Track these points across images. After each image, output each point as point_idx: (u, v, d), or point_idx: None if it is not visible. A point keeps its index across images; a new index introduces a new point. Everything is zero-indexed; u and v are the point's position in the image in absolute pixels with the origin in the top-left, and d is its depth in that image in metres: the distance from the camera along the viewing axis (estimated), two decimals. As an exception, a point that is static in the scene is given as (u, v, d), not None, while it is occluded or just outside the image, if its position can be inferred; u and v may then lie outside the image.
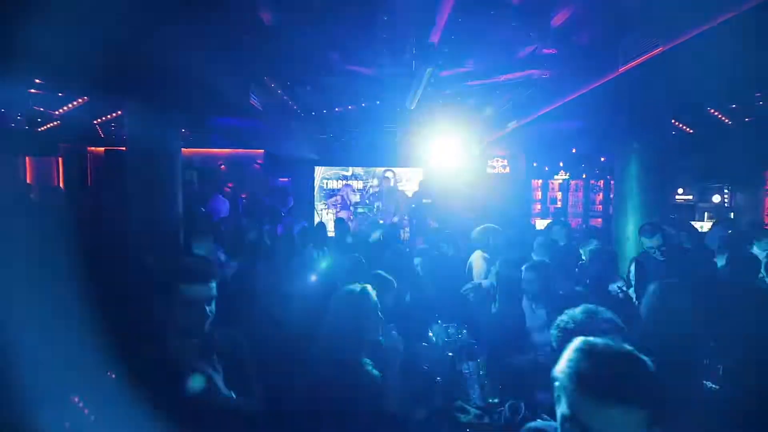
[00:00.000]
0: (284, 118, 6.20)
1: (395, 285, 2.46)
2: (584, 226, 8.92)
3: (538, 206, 10.12)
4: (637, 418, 0.78)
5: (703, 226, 8.62)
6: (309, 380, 1.62)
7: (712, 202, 8.84)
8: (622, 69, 3.57)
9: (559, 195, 10.23)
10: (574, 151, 8.40)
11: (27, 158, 8.58)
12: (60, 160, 8.64)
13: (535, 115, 5.38)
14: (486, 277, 3.50)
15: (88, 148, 8.53)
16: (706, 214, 8.77)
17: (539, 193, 10.16)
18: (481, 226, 4.09)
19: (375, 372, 1.66)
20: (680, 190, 9.58)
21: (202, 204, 6.94)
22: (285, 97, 5.75)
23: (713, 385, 1.77)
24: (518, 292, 2.79)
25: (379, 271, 2.55)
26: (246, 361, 1.55)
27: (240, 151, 9.08)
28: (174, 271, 1.43)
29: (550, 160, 9.16)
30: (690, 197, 9.45)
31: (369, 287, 1.81)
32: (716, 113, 6.11)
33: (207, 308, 1.39)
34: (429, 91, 5.36)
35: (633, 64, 3.37)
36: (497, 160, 8.29)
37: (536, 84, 4.71)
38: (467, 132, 8.10)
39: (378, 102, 5.91)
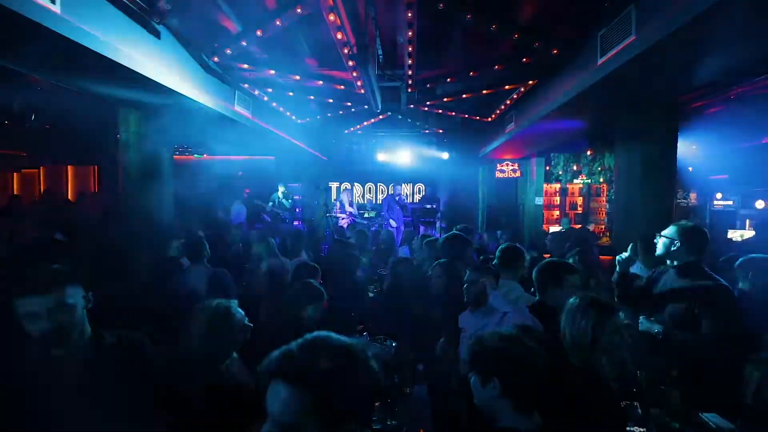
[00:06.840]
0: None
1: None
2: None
3: (556, 212, 9.59)
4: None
5: (743, 234, 7.74)
6: None
7: (755, 208, 7.92)
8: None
9: (579, 200, 9.65)
10: (590, 153, 7.88)
11: (69, 167, 9.53)
12: (96, 168, 9.49)
13: (532, 115, 5.15)
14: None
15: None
16: (747, 221, 7.88)
17: (557, 199, 9.64)
18: (451, 233, 3.95)
19: None
20: (719, 195, 8.70)
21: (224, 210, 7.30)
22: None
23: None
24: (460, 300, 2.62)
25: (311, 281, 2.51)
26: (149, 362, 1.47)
27: (254, 157, 9.47)
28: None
29: (565, 162, 8.70)
30: (731, 203, 8.55)
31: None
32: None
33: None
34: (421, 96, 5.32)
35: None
36: (507, 164, 7.98)
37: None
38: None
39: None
